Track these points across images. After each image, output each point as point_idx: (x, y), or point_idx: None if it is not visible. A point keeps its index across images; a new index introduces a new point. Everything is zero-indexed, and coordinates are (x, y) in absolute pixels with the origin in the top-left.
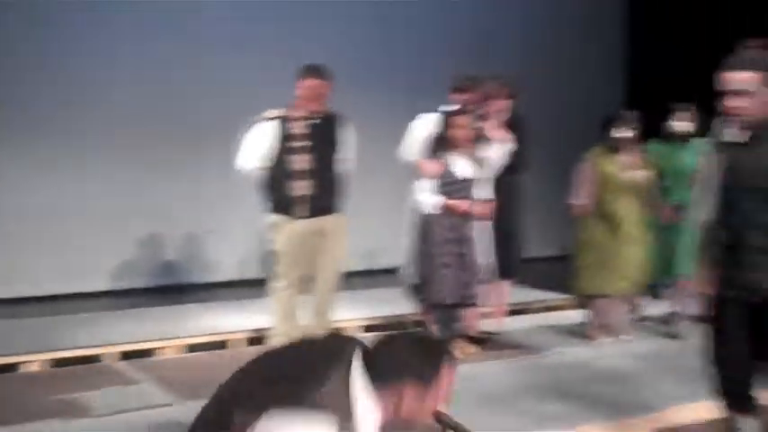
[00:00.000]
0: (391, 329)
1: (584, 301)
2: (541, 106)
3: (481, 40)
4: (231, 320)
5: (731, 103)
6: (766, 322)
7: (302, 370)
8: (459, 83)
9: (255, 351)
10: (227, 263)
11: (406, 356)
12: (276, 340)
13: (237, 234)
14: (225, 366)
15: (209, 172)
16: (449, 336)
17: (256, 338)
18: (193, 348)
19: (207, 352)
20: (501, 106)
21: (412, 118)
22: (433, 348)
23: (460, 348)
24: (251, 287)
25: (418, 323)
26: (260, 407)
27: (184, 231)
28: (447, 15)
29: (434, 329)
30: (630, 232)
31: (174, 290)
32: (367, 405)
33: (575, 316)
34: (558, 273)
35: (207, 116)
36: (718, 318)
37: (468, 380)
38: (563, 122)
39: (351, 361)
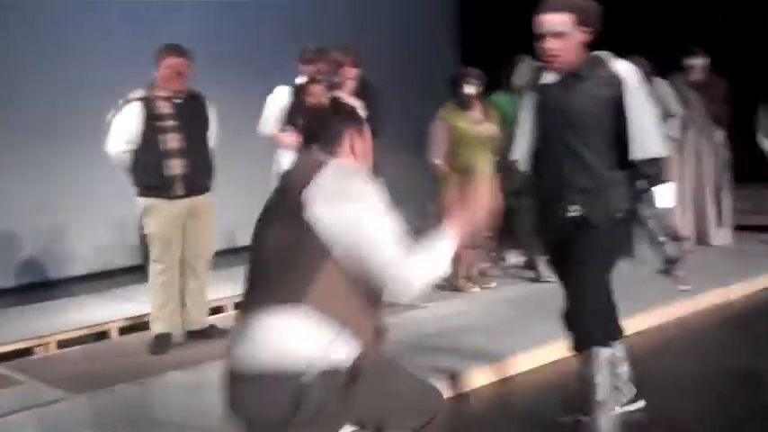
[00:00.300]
0: None
1: None
2: (386, 71)
3: (319, 16)
4: (103, 311)
5: (547, 45)
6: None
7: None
8: (308, 54)
9: (135, 339)
10: (90, 254)
11: (334, 122)
12: (157, 325)
13: (98, 224)
14: (105, 357)
15: (63, 164)
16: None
17: (133, 326)
18: (69, 343)
19: (84, 345)
20: (350, 74)
21: (264, 93)
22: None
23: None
24: (117, 276)
25: None
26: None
27: (44, 226)
28: None
29: None
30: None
31: (38, 287)
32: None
33: None
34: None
35: (58, 109)
36: (555, 261)
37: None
38: (407, 85)
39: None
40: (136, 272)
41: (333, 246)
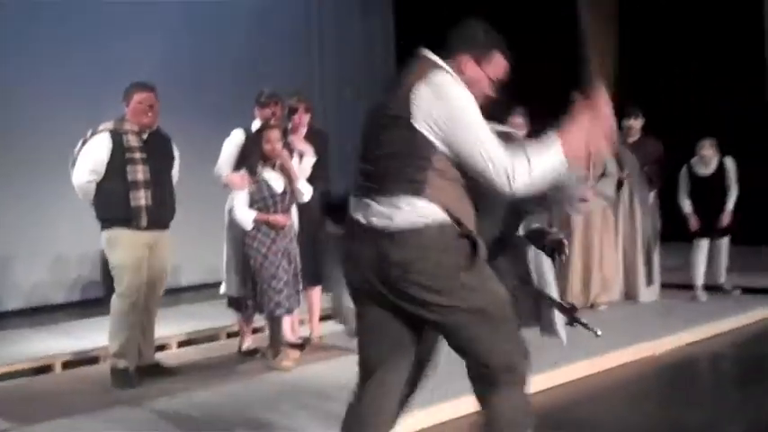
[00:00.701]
0: (209, 342)
1: None
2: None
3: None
4: (51, 343)
5: None
6: None
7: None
8: (264, 98)
9: (79, 374)
10: (39, 287)
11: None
12: (122, 361)
13: (48, 257)
14: (53, 389)
15: (16, 194)
16: (279, 344)
17: (81, 360)
18: (14, 375)
19: (30, 378)
20: (303, 120)
21: (217, 136)
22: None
23: (288, 355)
24: (64, 310)
25: (236, 335)
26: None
27: None
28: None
29: (250, 338)
30: None
31: None
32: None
33: None
34: None
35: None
36: None
37: (303, 380)
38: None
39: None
40: (74, 307)
41: (439, 142)
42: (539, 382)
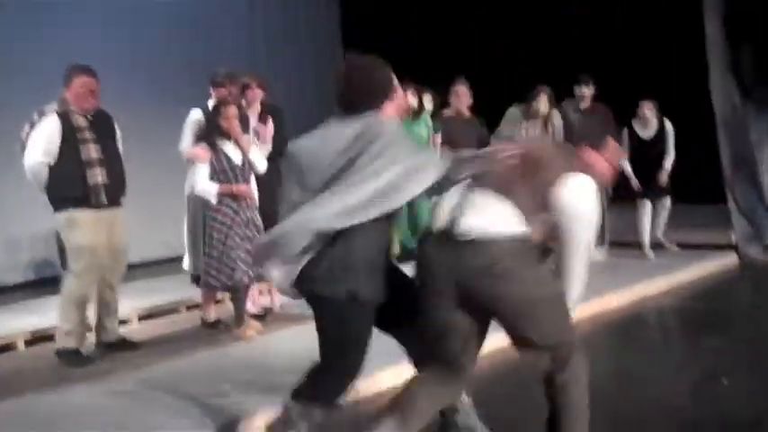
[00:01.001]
0: (169, 315)
1: None
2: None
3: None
4: (12, 322)
5: None
6: None
7: None
8: (219, 77)
9: (43, 351)
10: None
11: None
12: (70, 340)
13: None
14: (17, 367)
15: None
16: (243, 314)
17: (37, 338)
18: None
19: None
20: (257, 97)
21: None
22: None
23: (251, 326)
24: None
25: (197, 307)
26: None
27: None
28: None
29: (213, 310)
30: None
31: None
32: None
33: None
34: None
35: None
36: None
37: (267, 349)
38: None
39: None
40: (31, 287)
41: None
42: (498, 341)
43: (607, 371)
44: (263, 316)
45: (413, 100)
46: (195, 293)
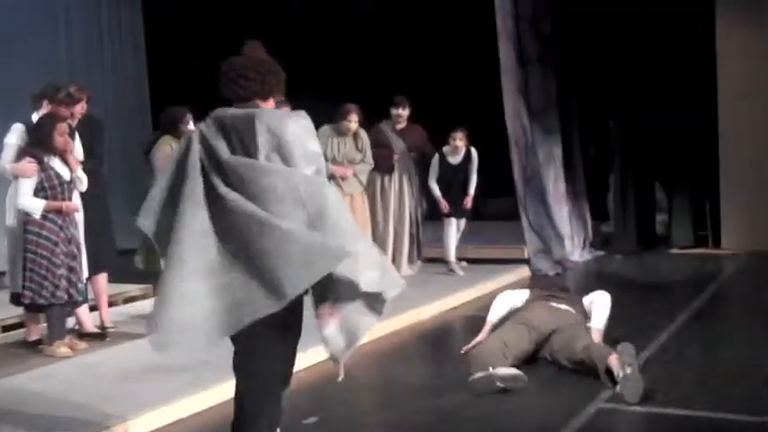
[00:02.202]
0: None
1: None
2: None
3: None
4: None
5: None
6: None
7: None
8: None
9: None
10: None
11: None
12: None
13: None
14: None
15: None
16: (61, 333)
17: None
18: None
19: None
20: (82, 110)
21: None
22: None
23: (71, 344)
24: None
25: (12, 328)
26: None
27: None
28: None
29: (36, 330)
30: None
31: None
32: None
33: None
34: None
35: None
36: None
37: (100, 365)
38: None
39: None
40: None
41: None
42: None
43: (420, 373)
44: (102, 335)
45: None
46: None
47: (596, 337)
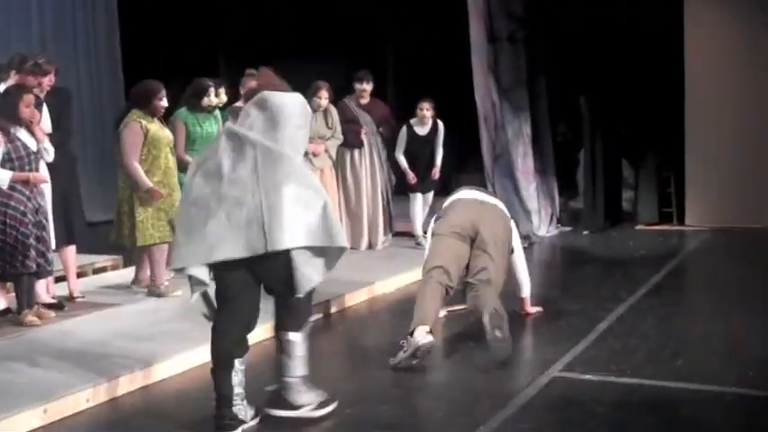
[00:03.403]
0: None
1: (135, 257)
2: None
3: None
4: None
5: None
6: None
7: None
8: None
9: None
10: None
11: None
12: None
13: None
14: None
15: None
16: (30, 303)
17: None
18: None
19: None
20: (50, 82)
21: None
22: None
23: (38, 314)
24: None
25: None
26: None
27: None
28: None
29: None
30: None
31: None
32: None
33: (125, 274)
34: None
35: None
36: None
37: (66, 334)
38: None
39: None
40: None
41: None
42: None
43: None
44: (60, 305)
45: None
46: None
47: (527, 306)
